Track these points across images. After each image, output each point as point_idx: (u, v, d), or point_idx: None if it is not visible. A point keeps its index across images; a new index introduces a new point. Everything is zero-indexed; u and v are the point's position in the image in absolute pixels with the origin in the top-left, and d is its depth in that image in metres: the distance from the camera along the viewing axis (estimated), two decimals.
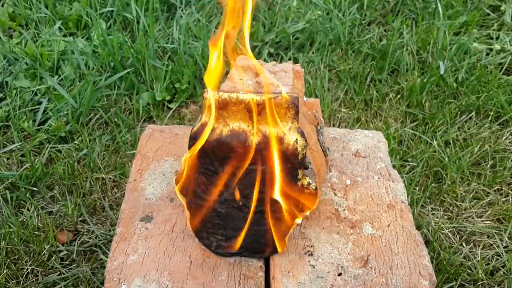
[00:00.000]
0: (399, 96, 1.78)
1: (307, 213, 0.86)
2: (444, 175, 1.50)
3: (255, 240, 0.84)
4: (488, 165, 1.55)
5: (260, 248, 0.85)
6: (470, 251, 1.33)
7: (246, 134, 0.78)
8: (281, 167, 0.79)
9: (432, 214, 1.41)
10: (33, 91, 1.70)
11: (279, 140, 0.78)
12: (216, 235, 0.85)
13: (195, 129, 0.80)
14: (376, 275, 0.83)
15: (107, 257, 0.90)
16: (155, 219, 0.91)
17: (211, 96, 0.77)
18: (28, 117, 1.61)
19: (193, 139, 0.79)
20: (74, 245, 1.30)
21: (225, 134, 0.78)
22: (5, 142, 1.55)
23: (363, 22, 2.09)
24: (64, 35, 1.94)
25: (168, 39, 1.94)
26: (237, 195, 0.82)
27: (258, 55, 1.90)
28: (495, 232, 1.36)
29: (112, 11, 2.03)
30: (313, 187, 0.82)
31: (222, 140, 0.78)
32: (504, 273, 1.28)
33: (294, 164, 0.79)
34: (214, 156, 0.80)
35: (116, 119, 1.63)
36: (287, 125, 0.78)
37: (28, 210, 1.37)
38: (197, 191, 0.83)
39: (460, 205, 1.44)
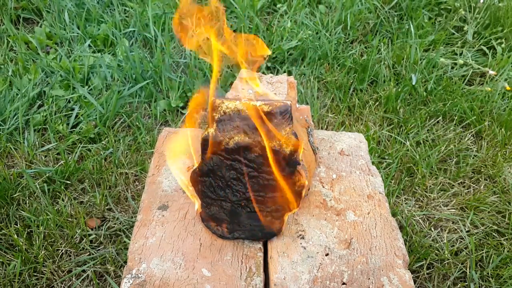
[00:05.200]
0: (377, 103, 1.78)
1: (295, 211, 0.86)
2: (416, 170, 1.50)
3: (254, 235, 0.84)
4: (453, 162, 1.55)
5: (258, 239, 0.85)
6: (437, 235, 1.33)
7: (248, 145, 0.79)
8: (279, 172, 0.80)
9: (405, 203, 1.41)
10: (66, 99, 1.70)
11: (276, 150, 0.78)
12: (222, 227, 0.85)
13: (203, 135, 0.81)
14: (358, 255, 0.83)
15: (129, 240, 0.91)
16: (170, 207, 0.91)
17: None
18: (62, 121, 1.62)
19: (205, 140, 0.81)
20: (102, 229, 1.30)
21: (231, 146, 0.79)
22: (43, 142, 1.56)
23: (347, 40, 2.09)
24: (93, 52, 1.94)
25: (182, 55, 1.95)
26: (240, 197, 0.82)
27: (257, 69, 1.89)
28: (459, 219, 1.36)
29: (134, 31, 2.03)
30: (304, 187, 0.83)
31: (228, 150, 0.79)
32: (466, 253, 1.28)
33: (291, 164, 0.80)
34: (221, 163, 0.81)
35: (137, 123, 1.63)
36: (285, 129, 0.78)
37: (63, 200, 1.37)
38: (207, 192, 0.84)
39: (429, 195, 1.44)
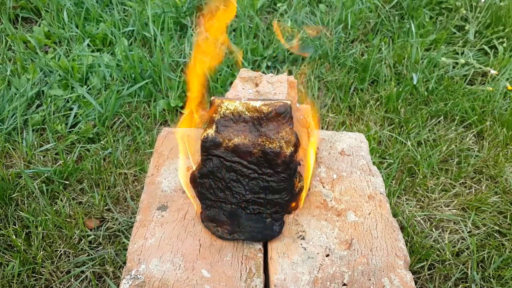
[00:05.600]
0: (378, 103, 1.78)
1: (296, 212, 0.87)
2: (417, 171, 1.50)
3: (254, 236, 0.84)
4: (454, 162, 1.54)
5: (258, 240, 0.85)
6: (439, 236, 1.33)
7: (248, 147, 0.79)
8: (280, 174, 0.80)
9: (407, 204, 1.41)
10: (65, 99, 1.70)
11: (276, 152, 0.79)
12: (222, 228, 0.85)
13: (203, 137, 0.81)
14: (359, 256, 0.83)
15: (129, 241, 0.91)
16: (169, 208, 0.91)
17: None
18: (61, 121, 1.61)
19: (204, 141, 0.81)
20: (101, 230, 1.30)
21: (231, 147, 0.79)
22: (41, 142, 1.55)
23: (347, 39, 2.09)
24: (92, 51, 1.94)
25: (181, 54, 1.94)
26: (240, 199, 0.82)
27: (257, 68, 1.89)
28: (460, 219, 1.36)
29: (133, 30, 2.03)
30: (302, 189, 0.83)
31: (228, 152, 0.79)
32: (468, 254, 1.28)
33: (291, 166, 0.80)
34: (221, 165, 0.81)
35: (136, 123, 1.63)
36: (285, 129, 0.79)
37: (61, 200, 1.37)
38: (206, 194, 0.84)
39: (430, 196, 1.43)
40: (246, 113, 0.78)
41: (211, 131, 0.80)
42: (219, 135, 0.79)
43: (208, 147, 0.80)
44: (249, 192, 0.81)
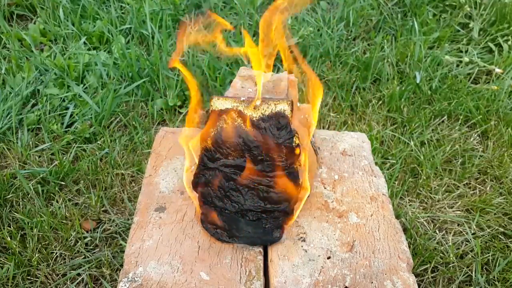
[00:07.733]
0: (380, 102, 1.78)
1: (295, 217, 0.87)
2: (420, 171, 1.50)
3: (253, 242, 0.84)
4: (458, 162, 1.54)
5: (257, 244, 0.85)
6: (442, 238, 1.33)
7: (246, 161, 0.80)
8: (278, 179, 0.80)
9: (410, 205, 1.41)
10: (61, 98, 1.70)
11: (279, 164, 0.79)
12: (222, 231, 0.85)
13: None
14: (361, 258, 0.83)
15: (126, 243, 0.91)
16: (167, 209, 0.91)
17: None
18: (57, 121, 1.61)
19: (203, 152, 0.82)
20: (97, 232, 1.30)
21: (229, 161, 0.79)
22: (37, 142, 1.55)
23: (349, 37, 2.09)
24: (88, 49, 1.94)
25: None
26: (239, 208, 0.83)
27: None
28: (464, 221, 1.36)
29: (130, 28, 2.03)
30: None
31: (226, 164, 0.79)
32: (472, 256, 1.28)
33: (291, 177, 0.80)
34: (219, 174, 0.81)
35: (133, 122, 1.63)
36: (284, 142, 0.79)
37: (57, 201, 1.37)
38: (205, 201, 0.84)
39: (434, 197, 1.43)
40: (244, 126, 0.79)
41: (209, 145, 0.80)
42: (217, 150, 0.80)
43: (205, 161, 0.81)
44: (248, 201, 0.82)
